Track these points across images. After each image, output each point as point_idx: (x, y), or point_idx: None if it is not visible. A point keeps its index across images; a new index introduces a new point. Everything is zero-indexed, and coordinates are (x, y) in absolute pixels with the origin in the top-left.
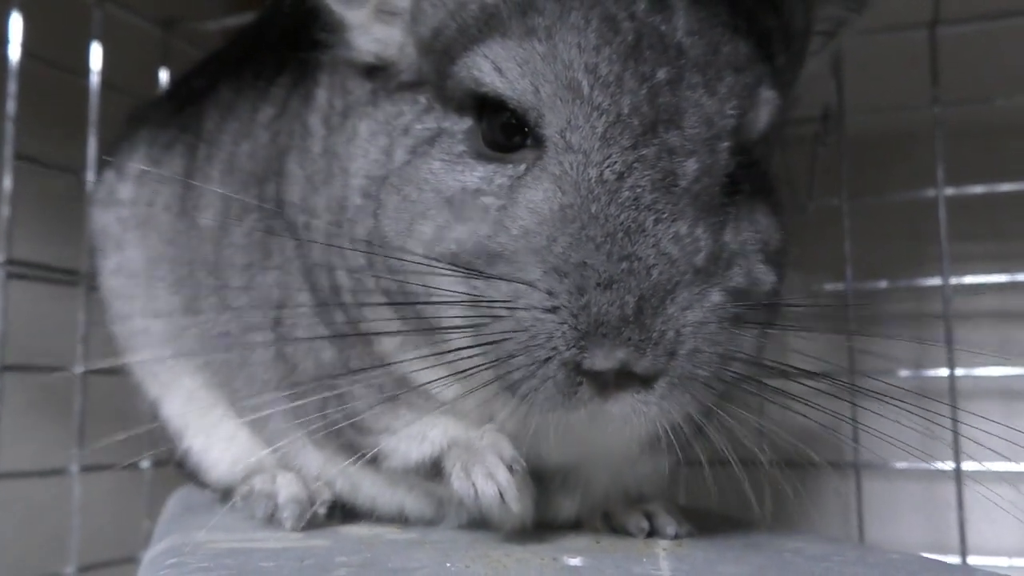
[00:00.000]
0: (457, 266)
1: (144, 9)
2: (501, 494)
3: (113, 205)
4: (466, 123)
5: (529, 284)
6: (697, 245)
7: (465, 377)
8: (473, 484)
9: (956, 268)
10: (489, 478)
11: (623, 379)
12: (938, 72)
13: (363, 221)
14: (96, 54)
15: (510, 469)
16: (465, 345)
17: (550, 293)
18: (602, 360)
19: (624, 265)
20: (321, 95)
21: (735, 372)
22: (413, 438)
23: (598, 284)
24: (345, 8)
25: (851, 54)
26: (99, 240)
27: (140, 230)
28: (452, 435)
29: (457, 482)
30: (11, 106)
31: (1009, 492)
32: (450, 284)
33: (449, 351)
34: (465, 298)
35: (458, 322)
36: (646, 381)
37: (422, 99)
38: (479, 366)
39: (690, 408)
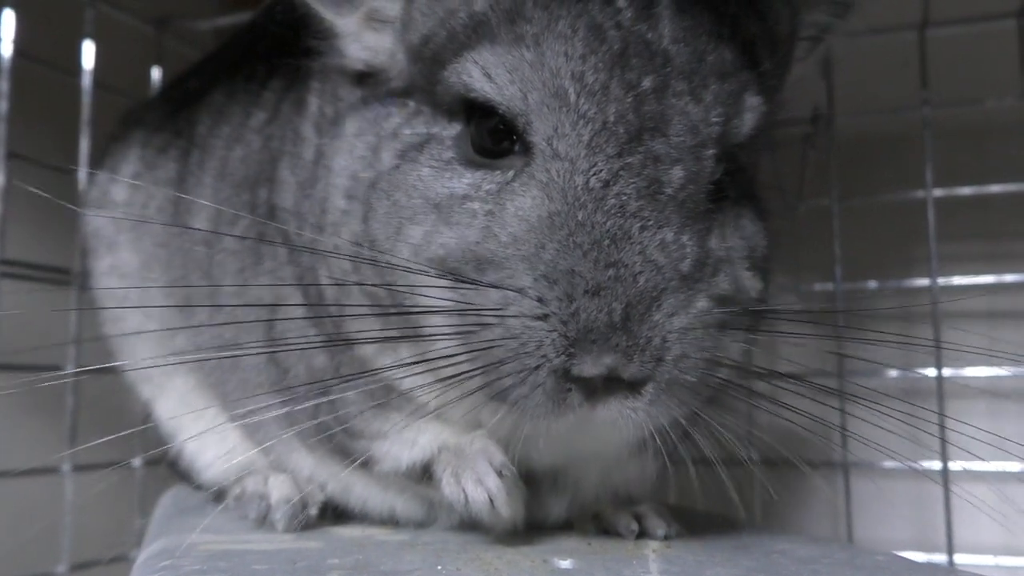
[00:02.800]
0: (445, 272)
1: (137, 8)
2: (491, 500)
3: (107, 206)
4: (455, 129)
5: (519, 291)
6: (683, 252)
7: (453, 384)
8: (463, 490)
9: (944, 269)
10: (479, 484)
11: (611, 385)
12: (927, 74)
13: (349, 225)
14: (89, 53)
15: (500, 474)
16: (454, 352)
17: (541, 300)
18: (590, 366)
19: (611, 272)
20: (313, 102)
21: (721, 377)
22: (404, 443)
23: (586, 291)
24: (336, 16)
25: (841, 56)
26: (92, 241)
27: (133, 232)
28: (442, 440)
29: (447, 488)
30: (3, 105)
31: (995, 491)
32: (440, 291)
33: (437, 357)
34: (454, 305)
35: (447, 329)
36: (633, 386)
37: (411, 104)
38: (467, 372)
39: (677, 412)
